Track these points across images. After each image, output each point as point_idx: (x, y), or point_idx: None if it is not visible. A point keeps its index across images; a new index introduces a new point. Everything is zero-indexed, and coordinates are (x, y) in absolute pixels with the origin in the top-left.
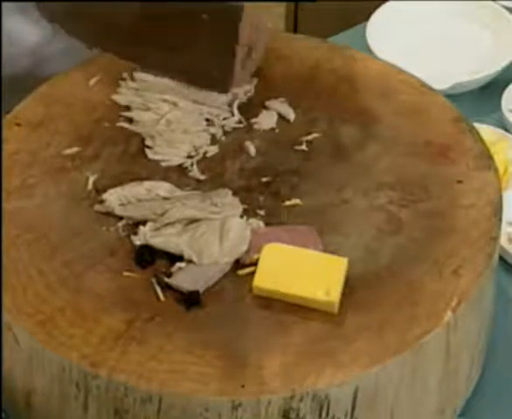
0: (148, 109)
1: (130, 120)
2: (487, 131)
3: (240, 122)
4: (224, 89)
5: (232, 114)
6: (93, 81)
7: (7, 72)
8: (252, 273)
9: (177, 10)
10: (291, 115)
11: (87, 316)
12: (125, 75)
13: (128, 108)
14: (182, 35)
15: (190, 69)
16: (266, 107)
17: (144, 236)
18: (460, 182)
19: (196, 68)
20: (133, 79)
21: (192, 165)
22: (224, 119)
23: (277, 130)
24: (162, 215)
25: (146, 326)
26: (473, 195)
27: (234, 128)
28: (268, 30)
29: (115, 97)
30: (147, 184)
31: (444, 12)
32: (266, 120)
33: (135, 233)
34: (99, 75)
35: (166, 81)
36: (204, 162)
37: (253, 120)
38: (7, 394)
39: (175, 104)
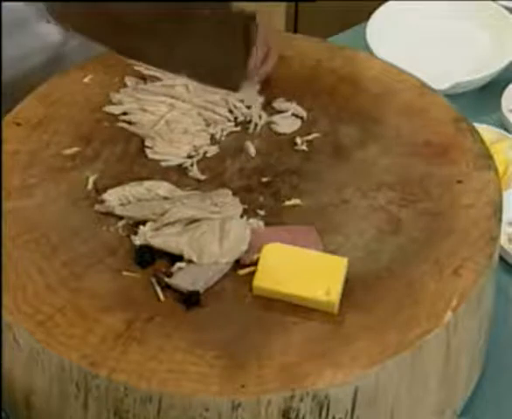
0: (145, 111)
1: (129, 123)
2: (487, 131)
3: (237, 125)
4: (235, 87)
5: (234, 119)
6: (92, 81)
7: (21, 68)
8: (252, 273)
9: (193, 10)
10: (303, 114)
11: (87, 316)
12: (117, 82)
13: (125, 114)
14: (196, 34)
15: (203, 67)
16: (273, 108)
17: (144, 236)
18: (460, 182)
19: (208, 66)
20: (125, 86)
21: (192, 165)
22: (223, 121)
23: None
24: (162, 215)
25: (146, 326)
26: (473, 195)
27: (233, 130)
28: (279, 38)
29: (109, 108)
30: (147, 184)
31: (444, 12)
32: (286, 124)
33: (135, 233)
34: (99, 75)
35: (159, 84)
36: (204, 162)
37: (273, 120)
38: (7, 395)
39: (172, 105)
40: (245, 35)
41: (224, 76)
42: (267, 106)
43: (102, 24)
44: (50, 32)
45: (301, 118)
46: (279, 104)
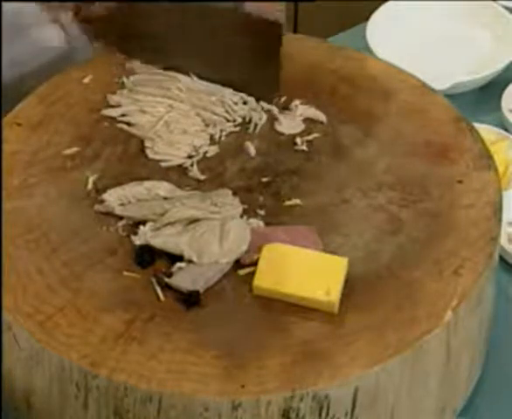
0: (144, 113)
1: (128, 124)
2: (487, 131)
3: (237, 126)
4: (270, 99)
5: (233, 120)
6: (92, 81)
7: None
8: (252, 273)
9: (223, 21)
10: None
11: (87, 316)
12: (115, 81)
13: (124, 115)
14: (228, 45)
15: (235, 78)
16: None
17: (144, 236)
18: (460, 182)
19: (240, 77)
20: (122, 87)
21: (192, 165)
22: (221, 122)
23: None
24: (162, 215)
25: (146, 325)
26: (473, 195)
27: (233, 130)
28: None
29: (107, 111)
30: (147, 184)
31: (444, 12)
32: (288, 125)
33: (135, 233)
34: (99, 75)
35: (156, 86)
36: (204, 162)
37: (277, 120)
38: (7, 395)
39: (170, 106)
40: (276, 45)
41: (257, 86)
42: (267, 106)
43: (125, 32)
44: (52, 35)
45: (305, 119)
46: (280, 104)
